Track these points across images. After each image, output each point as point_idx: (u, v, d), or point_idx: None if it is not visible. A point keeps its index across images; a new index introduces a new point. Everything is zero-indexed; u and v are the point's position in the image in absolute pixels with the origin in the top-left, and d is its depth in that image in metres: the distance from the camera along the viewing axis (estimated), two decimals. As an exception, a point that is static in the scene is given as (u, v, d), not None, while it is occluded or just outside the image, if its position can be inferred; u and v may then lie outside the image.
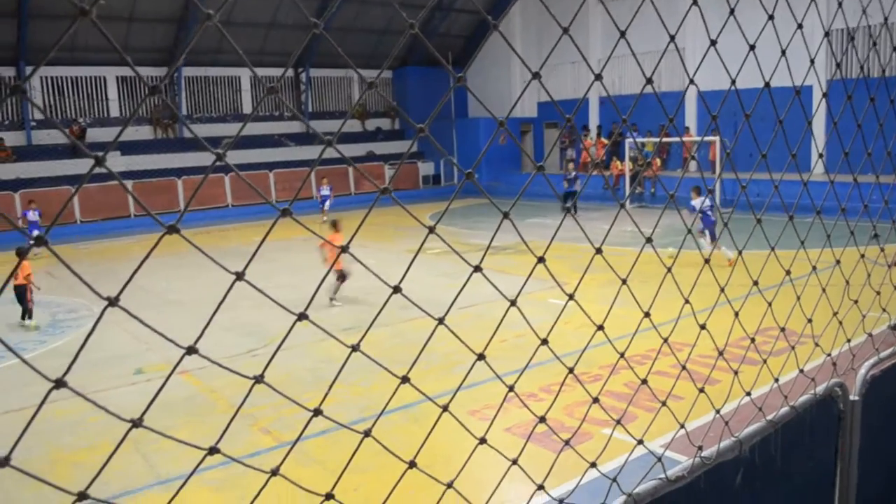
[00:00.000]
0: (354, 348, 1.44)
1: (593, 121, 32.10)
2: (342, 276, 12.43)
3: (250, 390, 1.28)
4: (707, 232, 16.01)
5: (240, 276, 1.20)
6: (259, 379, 1.27)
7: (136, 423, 1.14)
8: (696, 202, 16.27)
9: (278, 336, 10.41)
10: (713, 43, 2.07)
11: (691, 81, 2.14)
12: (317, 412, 1.39)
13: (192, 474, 1.33)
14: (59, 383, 1.05)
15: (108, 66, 29.16)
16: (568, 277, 9.16)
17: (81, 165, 26.82)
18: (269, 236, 1.34)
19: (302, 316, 1.30)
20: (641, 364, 7.97)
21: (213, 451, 1.24)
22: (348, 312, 11.85)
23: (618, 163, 28.02)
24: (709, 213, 15.72)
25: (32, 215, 20.67)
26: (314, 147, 31.88)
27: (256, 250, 1.21)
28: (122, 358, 9.58)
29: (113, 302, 1.09)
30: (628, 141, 26.71)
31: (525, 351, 8.43)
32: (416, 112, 34.71)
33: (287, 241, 16.64)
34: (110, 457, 1.17)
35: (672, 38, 1.97)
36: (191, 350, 1.18)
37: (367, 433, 1.54)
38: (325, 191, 25.50)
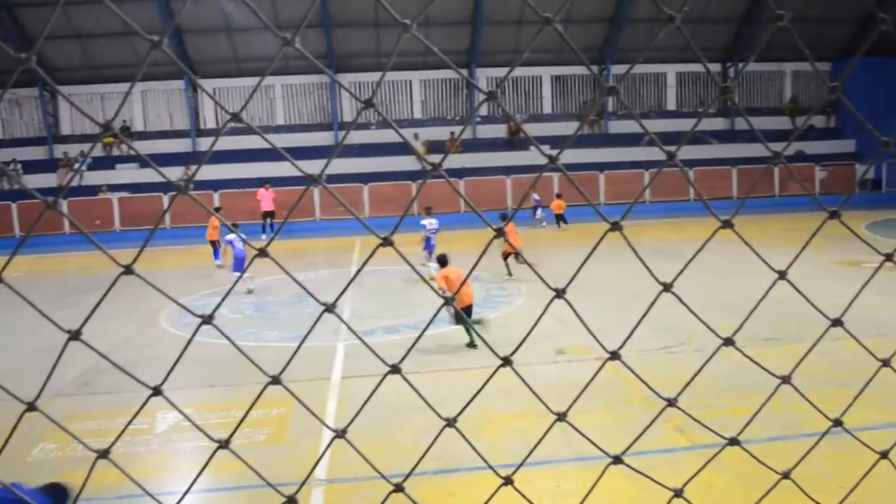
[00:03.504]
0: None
1: None
2: None
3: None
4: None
5: (667, 287, 1.38)
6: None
7: (561, 417, 1.40)
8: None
9: (696, 335, 10.42)
10: None
11: None
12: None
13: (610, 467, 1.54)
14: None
15: (543, 66, 31.51)
16: None
17: (515, 158, 29.60)
18: (684, 235, 1.48)
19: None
20: None
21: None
22: (766, 321, 11.20)
23: None
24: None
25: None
26: (737, 145, 30.60)
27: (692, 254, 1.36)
28: (546, 338, 10.42)
29: (560, 294, 1.36)
30: None
31: None
32: (861, 108, 30.67)
33: (698, 241, 16.34)
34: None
35: None
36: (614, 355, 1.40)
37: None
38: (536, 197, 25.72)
